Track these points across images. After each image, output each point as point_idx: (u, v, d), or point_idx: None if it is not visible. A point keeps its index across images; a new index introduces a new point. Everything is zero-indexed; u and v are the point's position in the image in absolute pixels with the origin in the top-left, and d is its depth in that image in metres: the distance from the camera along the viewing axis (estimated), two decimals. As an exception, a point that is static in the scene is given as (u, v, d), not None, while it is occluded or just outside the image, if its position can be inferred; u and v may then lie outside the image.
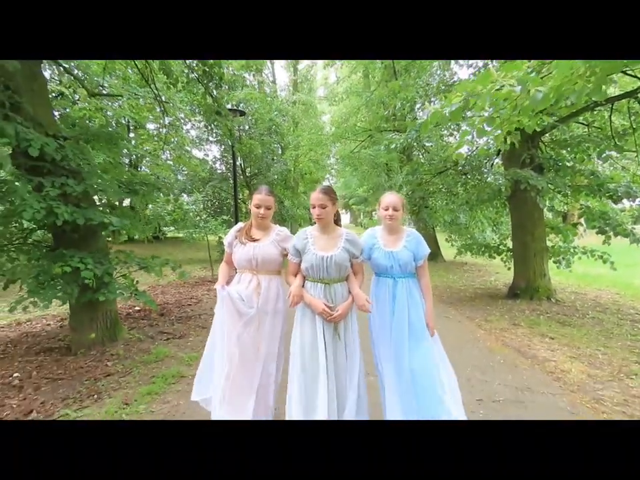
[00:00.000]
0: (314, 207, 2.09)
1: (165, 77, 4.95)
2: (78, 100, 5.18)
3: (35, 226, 3.96)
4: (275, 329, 2.25)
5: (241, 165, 11.52)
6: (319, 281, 2.10)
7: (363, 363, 2.17)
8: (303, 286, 2.16)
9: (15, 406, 2.74)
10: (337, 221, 2.24)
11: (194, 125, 11.70)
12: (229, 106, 8.14)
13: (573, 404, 2.76)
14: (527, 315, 5.55)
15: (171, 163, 9.33)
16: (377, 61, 10.32)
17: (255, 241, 2.23)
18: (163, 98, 5.80)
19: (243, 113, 6.74)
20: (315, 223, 2.20)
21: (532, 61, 1.86)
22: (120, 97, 5.38)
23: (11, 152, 3.56)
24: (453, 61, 7.52)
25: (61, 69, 4.18)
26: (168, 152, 10.74)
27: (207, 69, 4.35)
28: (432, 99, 8.30)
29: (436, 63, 7.58)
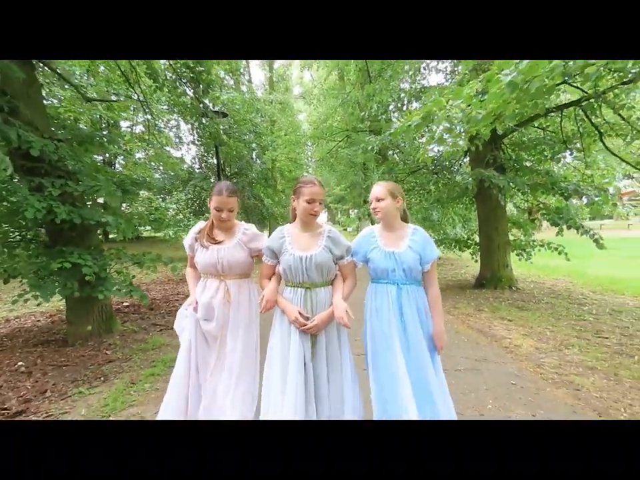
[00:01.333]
0: (313, 202, 1.82)
1: (151, 80, 5.19)
2: (62, 102, 5.31)
3: (31, 225, 4.13)
4: (249, 341, 2.03)
5: (221, 164, 11.72)
6: (299, 286, 1.85)
7: (357, 390, 1.88)
8: (281, 291, 1.93)
9: (29, 387, 2.99)
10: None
11: (171, 126, 11.80)
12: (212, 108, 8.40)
13: (519, 369, 3.29)
14: (491, 301, 6.15)
15: (147, 162, 9.41)
16: (352, 63, 10.78)
17: (217, 243, 2.01)
18: (141, 99, 6.00)
19: (225, 115, 7.01)
20: (291, 222, 2.01)
21: (477, 86, 2.31)
22: (111, 102, 5.53)
23: (8, 155, 3.75)
24: (423, 66, 8.04)
25: (55, 74, 4.34)
26: (144, 151, 10.79)
27: (195, 76, 4.63)
28: (404, 102, 8.87)
29: (407, 66, 8.07)
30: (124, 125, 11.34)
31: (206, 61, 4.58)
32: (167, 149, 10.25)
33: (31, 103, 3.89)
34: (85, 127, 4.71)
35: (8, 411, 2.62)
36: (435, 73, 8.27)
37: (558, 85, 5.22)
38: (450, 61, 7.45)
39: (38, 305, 4.35)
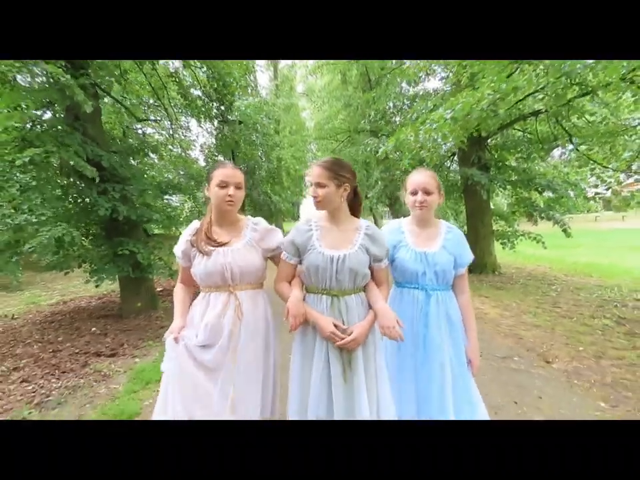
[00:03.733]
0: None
1: (181, 97, 6.15)
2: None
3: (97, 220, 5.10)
4: (266, 373, 1.62)
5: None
6: (325, 292, 1.52)
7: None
8: (304, 299, 1.57)
9: (109, 341, 4.01)
10: (355, 209, 1.64)
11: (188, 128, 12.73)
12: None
13: (482, 329, 4.24)
14: (475, 283, 7.07)
15: (167, 165, 10.45)
16: (353, 68, 11.63)
17: (222, 245, 1.58)
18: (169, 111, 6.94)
19: (241, 122, 7.92)
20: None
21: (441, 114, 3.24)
22: (158, 121, 6.49)
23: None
24: (422, 74, 8.91)
25: (111, 98, 5.29)
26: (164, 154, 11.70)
27: (220, 96, 5.55)
28: (403, 104, 9.77)
29: (407, 64, 8.92)
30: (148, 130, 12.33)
31: (230, 84, 5.50)
32: (190, 152, 11.16)
33: (95, 125, 4.85)
34: (131, 140, 5.64)
35: (104, 353, 3.64)
36: (433, 78, 9.15)
37: (527, 95, 6.14)
38: (443, 69, 8.31)
39: (97, 287, 5.33)
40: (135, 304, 5.29)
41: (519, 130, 8.12)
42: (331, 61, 9.54)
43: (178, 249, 1.65)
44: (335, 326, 1.45)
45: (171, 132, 7.16)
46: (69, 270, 4.78)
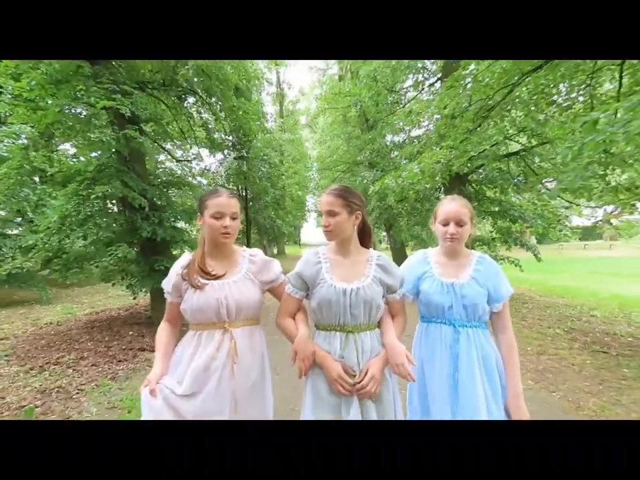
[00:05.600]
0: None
1: (207, 138, 7.30)
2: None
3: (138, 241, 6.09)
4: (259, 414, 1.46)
5: (248, 198, 13.63)
6: (338, 329, 1.40)
7: None
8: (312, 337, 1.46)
9: (148, 341, 4.89)
10: (364, 240, 1.57)
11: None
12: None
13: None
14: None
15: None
16: (353, 110, 12.99)
17: (216, 278, 1.46)
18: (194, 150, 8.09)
19: (246, 157, 9.11)
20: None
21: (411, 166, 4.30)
22: (188, 161, 7.65)
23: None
24: (412, 123, 10.17)
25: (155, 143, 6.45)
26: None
27: (239, 139, 6.68)
28: (400, 141, 11.02)
29: (397, 119, 10.19)
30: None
31: (250, 132, 6.67)
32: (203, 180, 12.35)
33: (140, 163, 5.95)
34: (162, 175, 6.79)
35: (147, 349, 4.55)
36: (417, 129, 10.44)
37: (503, 140, 7.32)
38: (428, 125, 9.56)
39: (134, 299, 6.26)
40: (164, 312, 6.19)
41: (495, 168, 9.28)
42: (334, 104, 10.82)
43: (167, 283, 1.49)
44: (345, 370, 1.33)
45: (193, 166, 8.26)
46: (115, 282, 5.74)
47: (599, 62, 4.15)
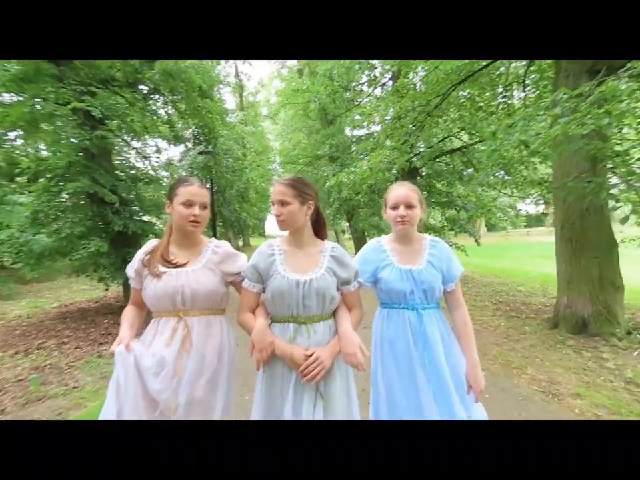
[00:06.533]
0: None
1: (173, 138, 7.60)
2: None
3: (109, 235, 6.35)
4: (209, 409, 1.43)
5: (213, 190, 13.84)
6: (291, 320, 1.40)
7: None
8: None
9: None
10: (319, 230, 1.56)
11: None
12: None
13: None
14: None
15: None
16: (312, 105, 13.52)
17: (178, 266, 1.45)
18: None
19: (212, 152, 9.44)
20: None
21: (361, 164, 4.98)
22: (158, 156, 7.91)
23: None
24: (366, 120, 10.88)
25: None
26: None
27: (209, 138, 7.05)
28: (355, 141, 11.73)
29: (357, 116, 10.85)
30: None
31: (214, 129, 7.05)
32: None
33: (107, 160, 6.18)
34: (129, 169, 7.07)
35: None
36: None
37: (446, 137, 8.22)
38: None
39: (106, 290, 6.53)
40: (135, 302, 6.53)
41: (442, 162, 10.26)
42: (293, 100, 11.32)
43: (130, 269, 1.51)
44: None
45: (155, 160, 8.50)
46: (88, 274, 6.02)
47: (510, 76, 4.96)
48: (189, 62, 5.85)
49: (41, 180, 5.26)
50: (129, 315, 1.52)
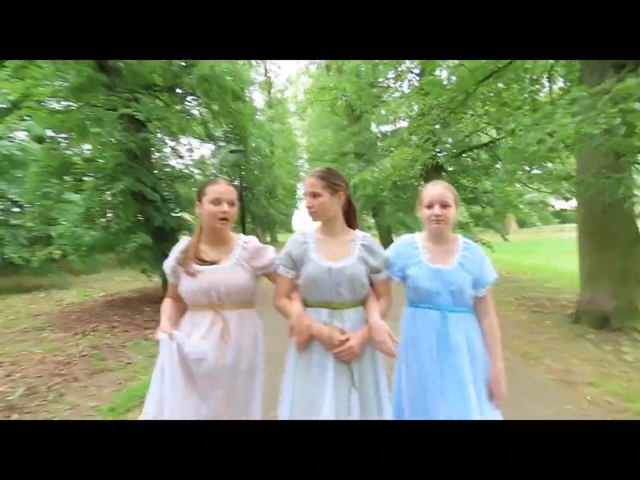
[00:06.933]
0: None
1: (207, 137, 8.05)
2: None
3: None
4: (250, 393, 1.57)
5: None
6: (324, 305, 1.47)
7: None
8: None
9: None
10: (351, 220, 1.63)
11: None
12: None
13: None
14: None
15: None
16: (339, 101, 13.71)
17: (210, 263, 1.54)
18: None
19: (242, 151, 9.86)
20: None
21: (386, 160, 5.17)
22: (191, 156, 8.47)
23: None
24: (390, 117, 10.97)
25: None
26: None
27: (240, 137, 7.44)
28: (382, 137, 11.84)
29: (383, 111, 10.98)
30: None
31: (245, 129, 7.43)
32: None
33: (148, 160, 6.69)
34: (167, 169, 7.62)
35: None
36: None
37: (472, 133, 8.22)
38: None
39: (149, 280, 7.09)
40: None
41: (468, 158, 10.19)
42: (320, 97, 11.56)
43: (167, 266, 1.59)
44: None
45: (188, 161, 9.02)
46: (132, 266, 6.57)
47: (537, 71, 4.98)
48: (224, 66, 6.22)
49: (90, 179, 5.79)
50: (167, 307, 1.61)
